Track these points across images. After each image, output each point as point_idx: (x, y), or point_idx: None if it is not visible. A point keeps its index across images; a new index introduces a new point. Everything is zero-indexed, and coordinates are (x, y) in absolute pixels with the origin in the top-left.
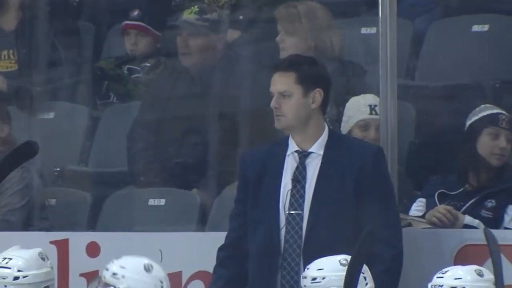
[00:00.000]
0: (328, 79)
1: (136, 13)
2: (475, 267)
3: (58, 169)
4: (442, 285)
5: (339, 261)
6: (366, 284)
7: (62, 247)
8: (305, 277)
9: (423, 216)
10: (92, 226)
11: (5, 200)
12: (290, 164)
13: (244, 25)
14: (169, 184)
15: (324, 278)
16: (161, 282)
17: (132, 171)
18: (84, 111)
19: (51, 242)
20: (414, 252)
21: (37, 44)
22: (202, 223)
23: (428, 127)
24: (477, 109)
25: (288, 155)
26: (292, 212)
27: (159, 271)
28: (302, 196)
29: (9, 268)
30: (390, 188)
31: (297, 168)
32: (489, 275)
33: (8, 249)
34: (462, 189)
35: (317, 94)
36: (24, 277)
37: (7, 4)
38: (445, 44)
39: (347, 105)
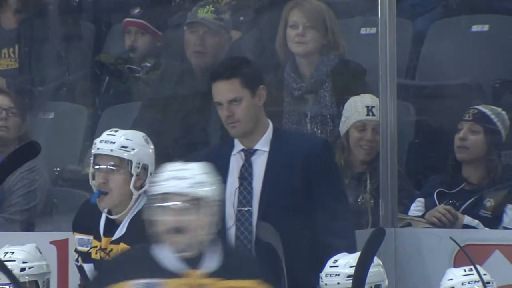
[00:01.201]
0: (262, 74)
1: (137, 11)
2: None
3: (58, 169)
4: (339, 274)
5: None
6: (386, 279)
7: (62, 247)
8: (338, 275)
9: (422, 216)
10: None
11: (15, 200)
12: (236, 163)
13: (246, 26)
14: None
15: None
16: (153, 154)
17: None
18: (84, 111)
19: (51, 242)
20: (414, 252)
21: (37, 44)
22: None
23: (427, 127)
24: None
25: (234, 154)
26: (241, 208)
27: (151, 143)
28: (250, 193)
29: (14, 260)
30: (339, 179)
31: (243, 166)
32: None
33: (2, 248)
34: (459, 187)
35: (262, 91)
36: (30, 268)
37: (8, 2)
38: (445, 44)
39: (346, 105)
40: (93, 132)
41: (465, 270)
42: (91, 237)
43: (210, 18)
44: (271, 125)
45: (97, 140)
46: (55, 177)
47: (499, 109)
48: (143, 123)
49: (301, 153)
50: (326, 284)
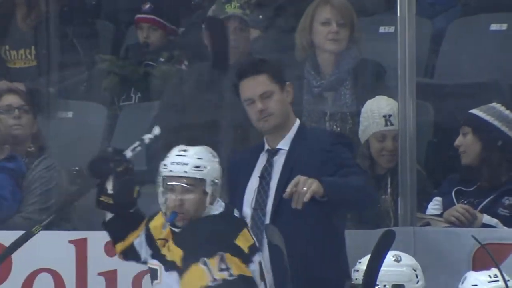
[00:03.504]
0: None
1: (147, 6)
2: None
3: (76, 168)
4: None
5: (391, 257)
6: (418, 281)
7: (81, 246)
8: (359, 271)
9: (440, 215)
10: None
11: (34, 199)
12: (261, 163)
13: (264, 24)
14: None
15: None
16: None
17: (151, 170)
18: (102, 110)
19: (70, 241)
20: (432, 251)
21: (55, 43)
22: None
23: (447, 125)
24: None
25: (262, 154)
26: (257, 208)
27: (217, 156)
28: (267, 193)
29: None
30: (349, 153)
31: (264, 166)
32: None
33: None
34: (476, 185)
35: (289, 88)
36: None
37: (25, 3)
38: (463, 43)
39: (363, 112)
40: (112, 131)
41: (490, 276)
42: None
43: (239, 14)
44: (297, 124)
45: (167, 161)
46: (73, 176)
47: (492, 104)
48: (162, 121)
49: (317, 150)
50: (356, 279)
